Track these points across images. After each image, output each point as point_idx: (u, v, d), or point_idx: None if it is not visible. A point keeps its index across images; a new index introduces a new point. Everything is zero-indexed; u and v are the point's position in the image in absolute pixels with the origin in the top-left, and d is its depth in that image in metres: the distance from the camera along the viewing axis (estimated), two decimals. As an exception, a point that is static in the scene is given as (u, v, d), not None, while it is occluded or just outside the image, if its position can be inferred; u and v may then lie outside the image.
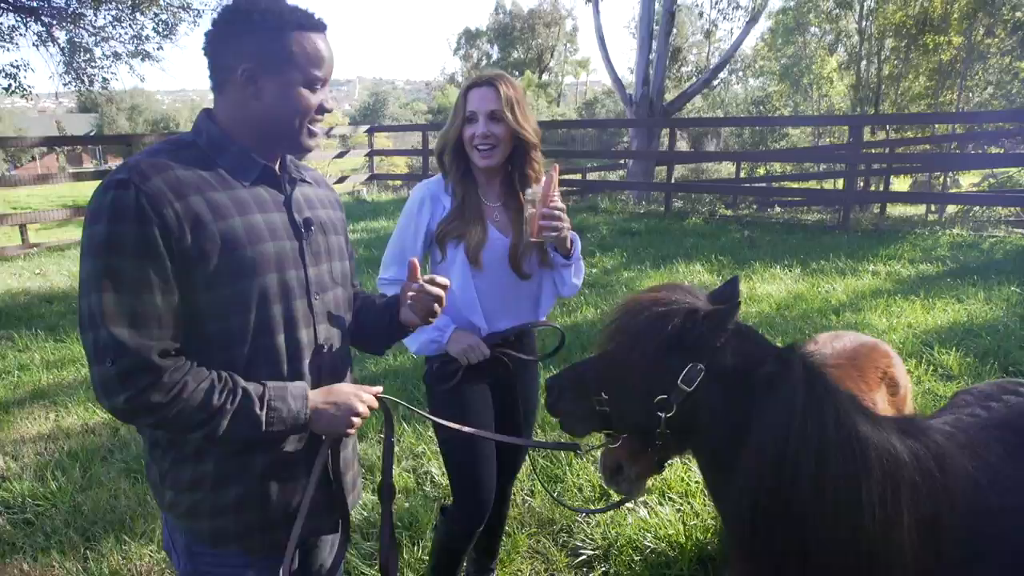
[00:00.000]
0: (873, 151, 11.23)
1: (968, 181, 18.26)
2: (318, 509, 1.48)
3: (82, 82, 13.85)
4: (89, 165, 42.12)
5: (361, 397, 1.46)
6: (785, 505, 1.38)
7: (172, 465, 1.38)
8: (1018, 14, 14.18)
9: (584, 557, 2.74)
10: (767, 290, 6.40)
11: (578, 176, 15.43)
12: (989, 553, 1.45)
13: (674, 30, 14.68)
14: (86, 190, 21.70)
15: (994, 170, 14.48)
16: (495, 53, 53.85)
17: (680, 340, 1.47)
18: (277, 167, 1.46)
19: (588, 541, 2.82)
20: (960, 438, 1.57)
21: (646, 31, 13.58)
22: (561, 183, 13.89)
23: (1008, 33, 13.99)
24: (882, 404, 2.37)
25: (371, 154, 13.33)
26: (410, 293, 1.54)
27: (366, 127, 13.83)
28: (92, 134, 37.74)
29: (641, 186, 12.22)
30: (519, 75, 50.39)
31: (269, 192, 1.43)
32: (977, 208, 11.56)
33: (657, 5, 13.79)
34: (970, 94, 15.06)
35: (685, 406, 1.48)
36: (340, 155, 13.63)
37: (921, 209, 12.84)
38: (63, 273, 7.92)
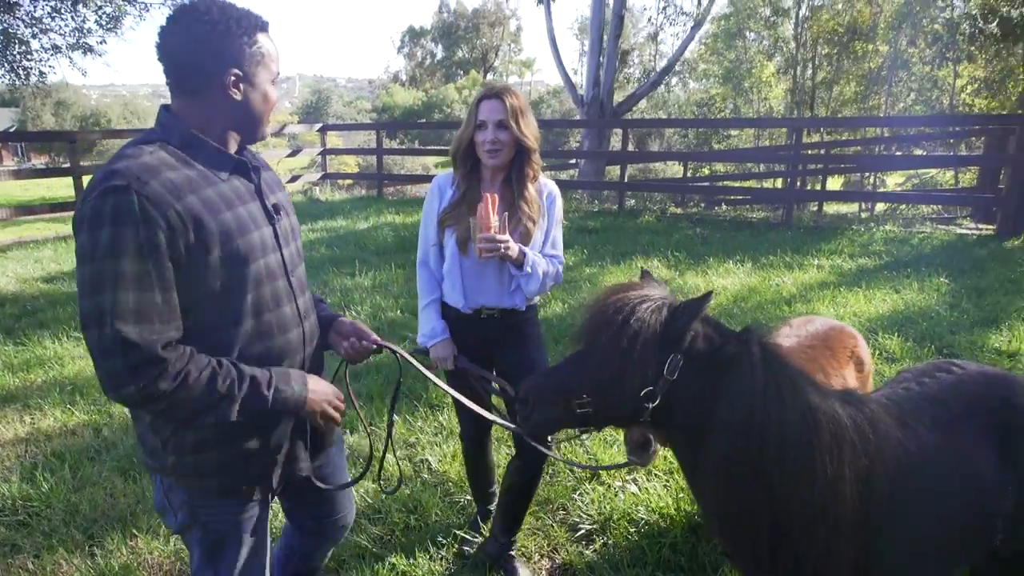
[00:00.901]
0: (810, 152, 11.86)
1: (893, 181, 19.37)
2: (298, 456, 1.73)
3: (17, 75, 13.15)
4: (11, 163, 39.79)
5: (336, 398, 1.69)
6: (753, 467, 1.56)
7: (174, 432, 1.52)
8: (936, 26, 15.26)
9: (583, 531, 2.93)
10: (723, 283, 6.75)
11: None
12: (911, 503, 1.68)
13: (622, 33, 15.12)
14: (11, 189, 20.57)
15: (918, 171, 15.56)
16: (439, 52, 53.81)
17: (666, 332, 1.58)
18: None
19: (585, 517, 3.02)
20: (893, 408, 1.79)
21: (596, 34, 13.94)
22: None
23: (928, 44, 15.06)
24: (850, 379, 2.66)
25: (324, 153, 13.20)
26: (345, 344, 1.84)
27: (319, 125, 13.67)
28: (12, 129, 35.71)
29: (596, 185, 12.56)
30: (463, 74, 50.51)
31: (243, 183, 1.57)
32: (903, 206, 12.36)
33: (607, 9, 14.16)
34: (895, 100, 16.08)
35: (667, 394, 1.59)
36: (292, 154, 13.45)
37: (854, 207, 13.65)
38: (7, 275, 7.60)
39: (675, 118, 17.74)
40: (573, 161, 15.98)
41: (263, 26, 1.52)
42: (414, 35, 53.86)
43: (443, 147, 25.81)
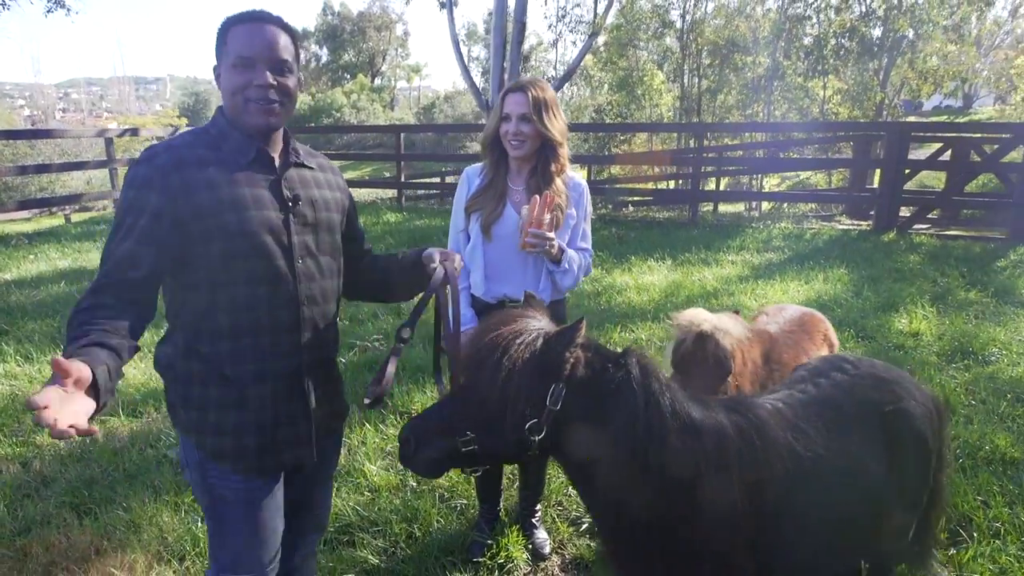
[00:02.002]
0: (708, 156, 12.66)
1: (770, 183, 20.98)
2: (301, 442, 1.80)
3: None
4: None
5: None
6: (642, 486, 1.58)
7: (184, 387, 1.70)
8: (806, 41, 16.83)
9: (586, 525, 2.98)
10: (650, 280, 7.06)
11: (437, 180, 15.58)
12: (805, 507, 1.73)
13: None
14: None
15: (795, 173, 17.09)
16: (324, 55, 52.19)
17: (543, 363, 1.56)
18: (279, 152, 1.75)
19: (584, 510, 3.06)
20: (786, 412, 1.83)
21: (499, 39, 14.09)
22: (419, 187, 13.99)
23: (801, 58, 16.57)
24: (824, 354, 2.89)
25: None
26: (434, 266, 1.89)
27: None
28: None
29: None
30: (351, 78, 49.25)
31: (262, 171, 1.70)
32: (785, 205, 13.44)
33: (508, 15, 14.36)
34: (773, 108, 17.50)
35: (552, 424, 1.57)
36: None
37: (741, 207, 14.72)
38: None
39: (586, 123, 18.26)
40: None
41: (237, 19, 1.67)
42: (297, 37, 51.93)
43: (346, 151, 25.08)
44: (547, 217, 2.25)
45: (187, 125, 18.54)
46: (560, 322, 2.54)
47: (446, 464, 1.64)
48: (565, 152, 2.45)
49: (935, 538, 2.34)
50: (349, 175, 23.18)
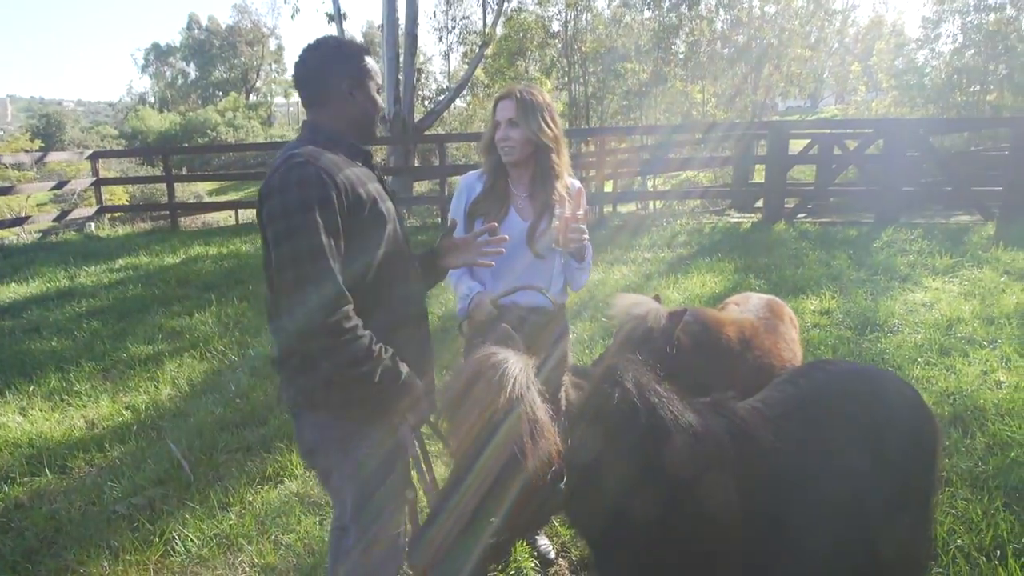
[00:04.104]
0: (608, 158, 13.15)
1: (655, 183, 22.01)
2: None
3: None
4: None
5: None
6: (648, 494, 1.60)
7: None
8: (680, 48, 17.97)
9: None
10: (576, 282, 7.22)
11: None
12: (790, 499, 1.79)
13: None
14: None
15: (681, 172, 18.18)
16: (192, 71, 49.20)
17: (542, 400, 1.52)
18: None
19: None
20: (767, 412, 1.90)
21: (392, 52, 13.95)
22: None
23: (680, 65, 17.68)
24: (795, 336, 3.11)
25: (98, 183, 11.37)
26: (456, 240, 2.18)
27: (88, 152, 11.75)
28: None
29: (411, 200, 12.58)
30: (222, 95, 46.65)
31: (367, 170, 1.92)
32: (674, 202, 14.18)
33: (399, 28, 14.25)
34: (655, 112, 18.48)
35: (573, 466, 1.54)
36: (59, 185, 11.35)
37: (633, 207, 15.42)
38: None
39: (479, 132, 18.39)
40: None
41: (367, 50, 1.99)
42: (160, 53, 48.58)
43: (229, 172, 23.65)
44: (580, 212, 2.31)
45: (39, 149, 16.68)
46: (562, 328, 2.58)
47: (480, 570, 1.48)
48: (563, 157, 2.47)
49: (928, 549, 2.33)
50: (232, 196, 21.95)
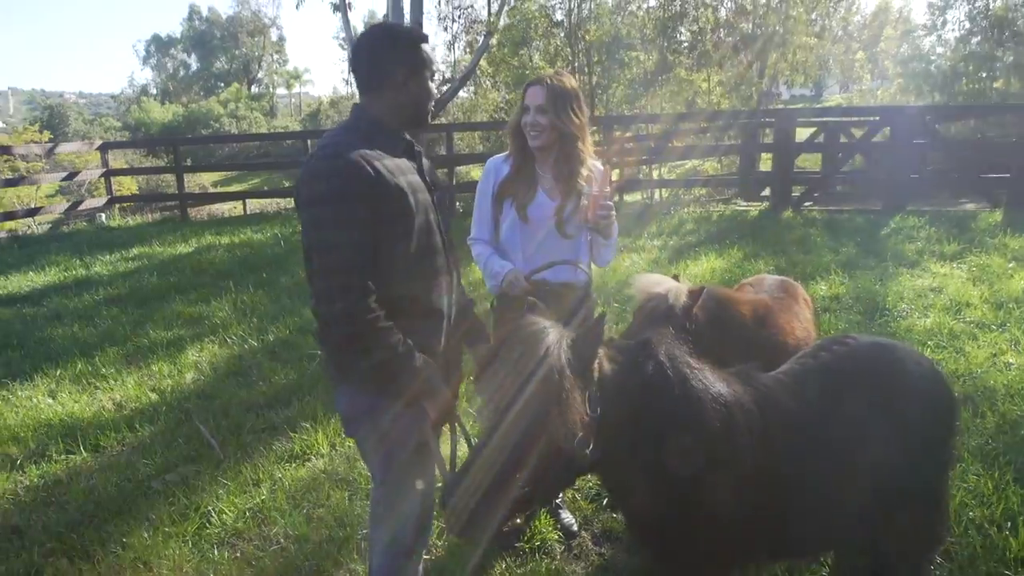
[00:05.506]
0: (616, 147, 13.16)
1: (659, 172, 22.00)
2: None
3: None
4: None
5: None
6: (681, 463, 1.67)
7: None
8: (685, 37, 17.94)
9: (606, 500, 3.09)
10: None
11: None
12: (814, 464, 1.87)
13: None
14: None
15: (686, 161, 18.17)
16: (194, 63, 49.14)
17: (576, 370, 1.56)
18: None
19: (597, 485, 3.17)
20: (787, 381, 1.98)
21: (397, 41, 13.95)
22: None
23: (686, 54, 17.65)
24: (809, 316, 3.18)
25: (108, 174, 11.46)
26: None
27: (97, 143, 11.83)
28: None
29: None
30: (224, 87, 46.60)
31: (409, 161, 1.93)
32: (680, 190, 14.20)
33: (404, 16, 14.23)
34: (660, 100, 18.47)
35: (595, 430, 1.58)
36: (71, 176, 11.45)
37: (638, 196, 15.43)
38: None
39: (485, 121, 18.40)
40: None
41: (424, 38, 1.94)
42: (161, 45, 48.49)
43: (234, 162, 23.65)
44: (608, 189, 2.40)
45: (48, 140, 16.73)
46: (589, 304, 2.66)
47: (504, 520, 1.57)
48: (587, 143, 2.56)
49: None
50: (236, 187, 21.99)
